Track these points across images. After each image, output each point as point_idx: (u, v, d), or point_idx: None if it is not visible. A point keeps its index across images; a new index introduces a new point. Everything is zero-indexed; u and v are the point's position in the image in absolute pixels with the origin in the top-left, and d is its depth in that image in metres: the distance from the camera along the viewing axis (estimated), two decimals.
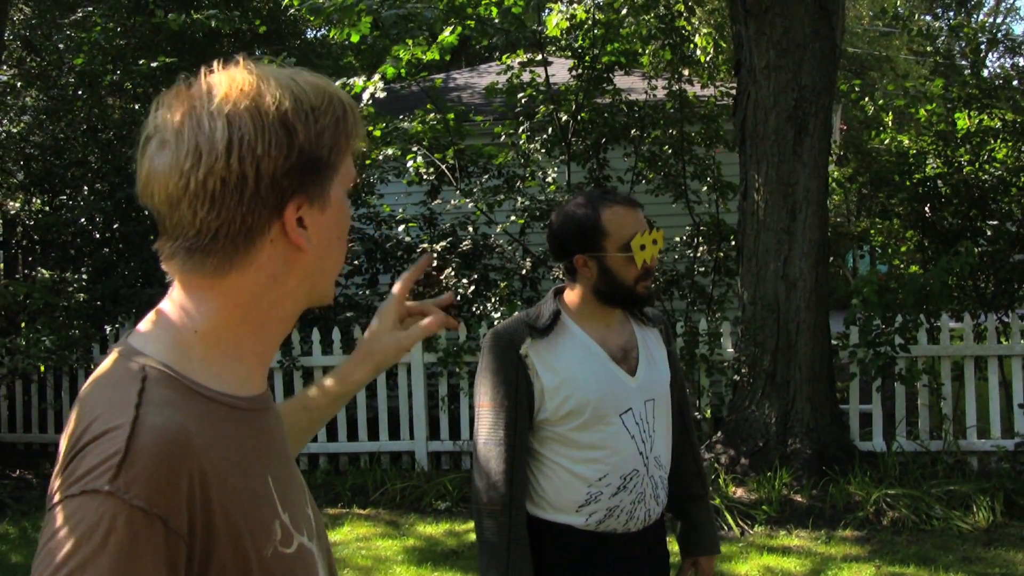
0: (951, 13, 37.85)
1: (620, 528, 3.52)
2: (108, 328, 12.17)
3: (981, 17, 39.55)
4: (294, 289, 1.67)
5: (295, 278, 1.66)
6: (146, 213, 12.18)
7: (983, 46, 16.12)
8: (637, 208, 3.52)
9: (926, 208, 13.55)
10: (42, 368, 11.84)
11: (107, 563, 1.33)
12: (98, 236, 12.92)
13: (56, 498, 1.40)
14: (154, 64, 12.54)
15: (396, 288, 2.36)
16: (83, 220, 12.70)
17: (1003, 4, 42.50)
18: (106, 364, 1.61)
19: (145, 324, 1.67)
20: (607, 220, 3.48)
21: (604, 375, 3.51)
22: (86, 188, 13.11)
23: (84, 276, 12.19)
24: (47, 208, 13.67)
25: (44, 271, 12.10)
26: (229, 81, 1.59)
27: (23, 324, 12.13)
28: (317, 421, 2.22)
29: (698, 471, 3.92)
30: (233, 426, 1.59)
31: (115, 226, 12.61)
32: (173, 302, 1.66)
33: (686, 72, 13.53)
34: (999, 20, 40.48)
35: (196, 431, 1.48)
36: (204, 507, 1.45)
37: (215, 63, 1.64)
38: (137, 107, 13.65)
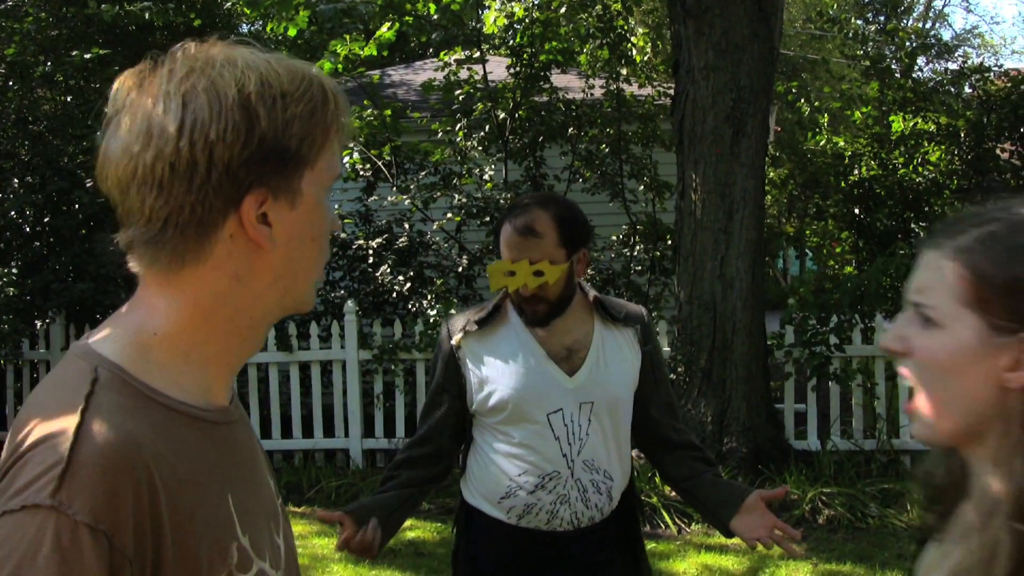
0: (882, 18, 38.23)
1: (543, 526, 3.52)
2: (38, 323, 11.98)
3: (911, 23, 40.01)
4: (262, 293, 1.56)
5: (261, 280, 1.55)
6: (77, 207, 12.06)
7: (914, 50, 16.30)
8: (527, 237, 3.43)
9: (860, 209, 13.68)
10: None
11: None
12: (28, 230, 12.72)
13: None
14: (87, 56, 12.40)
15: None
16: (13, 213, 12.49)
17: (932, 10, 43.03)
18: (61, 363, 1.52)
19: (107, 323, 1.58)
20: (500, 235, 3.53)
21: (533, 373, 3.51)
22: (16, 181, 12.89)
23: (14, 270, 11.99)
24: None
25: None
26: (193, 60, 1.49)
27: None
28: None
29: (699, 456, 3.82)
30: (192, 437, 1.49)
31: (46, 220, 12.43)
32: (135, 300, 1.58)
33: (624, 71, 13.56)
34: (928, 26, 40.99)
35: (147, 441, 1.40)
36: (153, 523, 1.37)
37: (188, 42, 1.54)
38: (69, 99, 13.48)
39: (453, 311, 3.67)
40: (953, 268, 1.60)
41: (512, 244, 3.44)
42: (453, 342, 3.59)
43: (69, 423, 1.35)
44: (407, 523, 8.77)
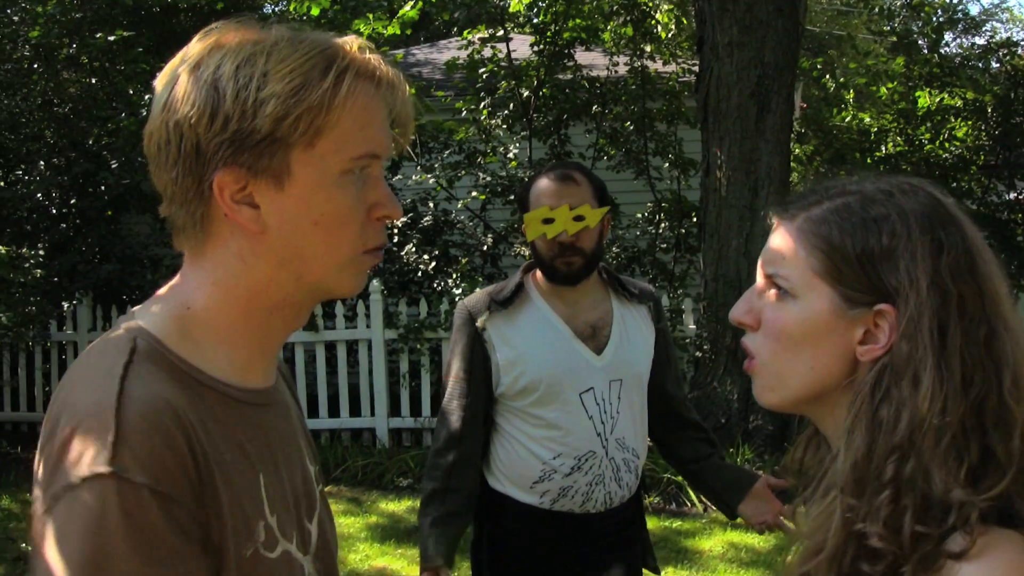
0: None
1: (577, 509, 3.49)
2: (65, 305, 12.05)
3: None
4: (273, 275, 1.54)
5: (267, 262, 1.53)
6: (102, 189, 12.10)
7: (941, 25, 16.18)
8: (566, 182, 3.42)
9: None
10: None
11: (127, 548, 1.27)
12: (55, 212, 12.77)
13: (55, 490, 1.32)
14: (111, 38, 12.40)
15: None
16: (39, 195, 12.54)
17: None
18: (104, 335, 1.53)
19: (154, 296, 1.60)
20: (532, 193, 3.47)
21: (563, 352, 3.47)
22: (42, 163, 12.94)
23: (41, 252, 12.03)
24: (2, 183, 13.47)
25: (0, 247, 11.95)
26: (200, 41, 1.51)
27: None
28: None
29: (705, 438, 3.85)
30: (224, 414, 1.50)
31: (72, 201, 12.48)
32: (179, 275, 1.60)
33: (648, 48, 13.51)
34: (955, 1, 40.66)
35: (186, 407, 1.40)
36: (206, 483, 1.38)
37: (218, 24, 1.54)
38: (93, 81, 13.50)
39: (478, 290, 3.69)
40: (808, 240, 1.60)
41: (550, 192, 3.40)
42: (478, 324, 3.51)
43: (110, 392, 1.35)
44: None
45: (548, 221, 3.36)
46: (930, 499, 1.42)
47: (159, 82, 1.52)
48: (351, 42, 1.55)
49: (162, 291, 1.60)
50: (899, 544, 1.41)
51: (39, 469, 1.38)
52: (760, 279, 1.70)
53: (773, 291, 1.65)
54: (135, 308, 1.58)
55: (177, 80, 1.49)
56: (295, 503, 1.64)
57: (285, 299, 1.58)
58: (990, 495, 1.41)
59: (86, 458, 1.30)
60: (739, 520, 7.91)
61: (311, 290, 1.59)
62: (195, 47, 1.51)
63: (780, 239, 1.66)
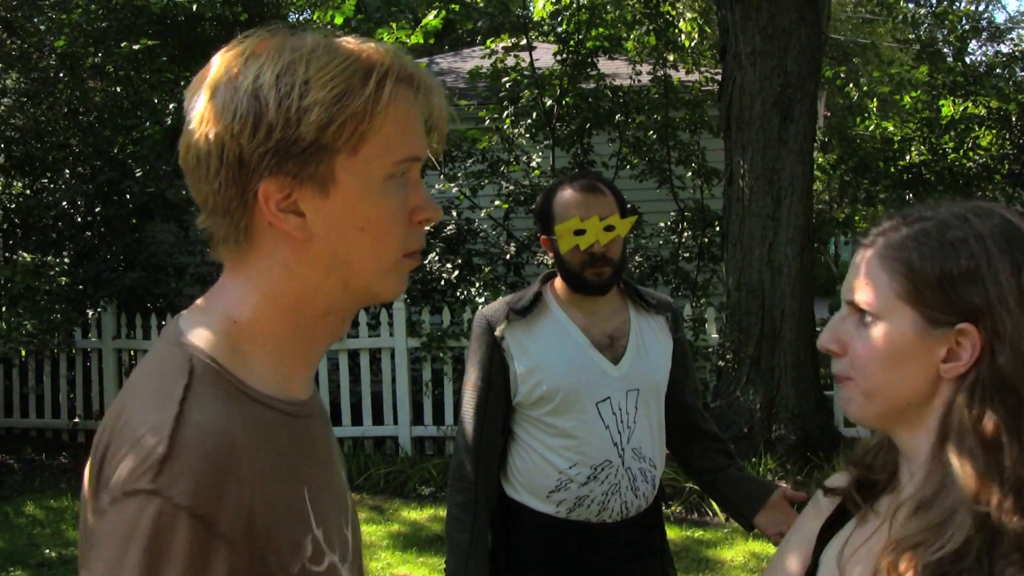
0: (933, 1, 37.92)
1: (593, 518, 3.48)
2: (90, 312, 12.10)
3: (963, 5, 39.59)
4: (320, 283, 1.54)
5: (313, 270, 1.53)
6: (127, 197, 12.16)
7: (966, 34, 16.12)
8: (594, 192, 3.42)
9: (910, 195, 13.56)
10: (23, 352, 11.79)
11: (148, 565, 1.28)
12: (80, 220, 12.85)
13: (103, 502, 1.35)
14: (136, 47, 12.48)
15: None
16: (65, 203, 12.62)
17: None
18: (155, 350, 1.54)
19: (195, 307, 1.60)
20: (556, 203, 3.46)
21: (581, 362, 3.46)
22: (67, 171, 13.02)
23: (66, 260, 12.11)
24: (28, 191, 13.57)
25: (25, 255, 12.01)
26: (233, 51, 1.51)
27: (4, 308, 12.04)
28: None
29: (724, 449, 3.83)
30: (275, 431, 1.50)
31: (97, 210, 12.55)
32: (218, 286, 1.59)
33: (671, 57, 13.51)
34: (981, 8, 40.54)
35: (239, 432, 1.41)
36: (249, 511, 1.38)
37: (252, 32, 1.54)
38: (118, 90, 13.57)
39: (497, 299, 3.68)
40: (889, 265, 1.67)
41: (579, 203, 3.39)
42: (497, 333, 3.50)
43: (169, 412, 1.37)
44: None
45: (580, 232, 3.36)
46: None
47: (190, 92, 1.52)
48: (385, 46, 1.55)
49: (203, 302, 1.60)
50: None
51: (92, 479, 1.41)
52: (844, 306, 1.76)
53: (857, 316, 1.72)
54: (180, 318, 1.58)
55: (214, 91, 1.48)
56: (337, 511, 1.65)
57: (331, 307, 1.58)
58: None
59: (134, 474, 1.32)
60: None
61: (357, 296, 1.59)
62: (227, 57, 1.51)
63: (861, 266, 1.72)
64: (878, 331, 1.67)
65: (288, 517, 1.47)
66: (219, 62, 1.52)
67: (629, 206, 3.69)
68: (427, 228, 1.67)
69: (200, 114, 1.49)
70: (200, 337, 1.52)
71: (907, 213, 1.72)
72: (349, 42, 1.53)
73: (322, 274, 1.54)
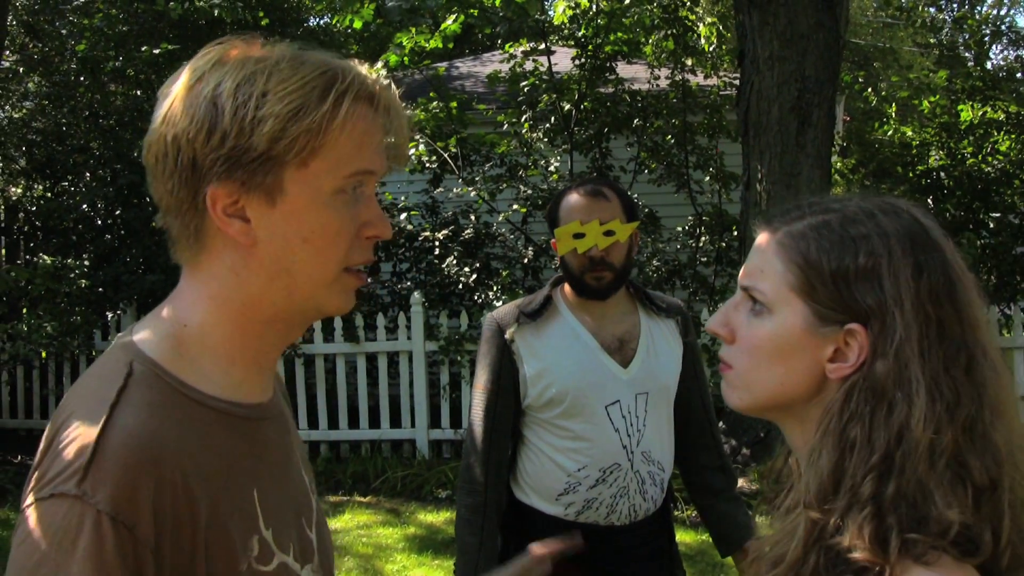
0: (955, 5, 37.77)
1: (602, 521, 3.50)
2: (109, 315, 12.18)
3: (984, 9, 39.47)
4: (264, 290, 1.58)
5: (258, 276, 1.56)
6: (147, 200, 12.20)
7: (987, 38, 16.08)
8: (597, 197, 3.44)
9: (929, 200, 13.53)
10: (43, 354, 11.83)
11: (76, 570, 1.31)
12: (100, 223, 12.90)
13: (28, 500, 1.38)
14: (156, 51, 12.51)
15: (537, 551, 2.43)
16: (85, 206, 12.68)
17: None
18: (105, 352, 1.59)
19: (155, 309, 1.64)
20: (562, 207, 3.49)
21: (590, 365, 3.48)
22: (88, 174, 13.08)
23: (86, 262, 12.15)
24: (49, 194, 13.64)
25: (46, 257, 12.05)
26: (205, 57, 1.55)
27: (24, 310, 12.12)
28: None
29: (721, 466, 3.83)
30: (219, 432, 1.54)
31: (117, 213, 12.59)
32: (177, 289, 1.64)
33: (689, 62, 13.52)
34: (1002, 12, 40.39)
35: (173, 437, 1.44)
36: (178, 516, 1.41)
37: (221, 42, 1.58)
38: (139, 93, 13.62)
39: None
40: (785, 254, 1.61)
41: (581, 207, 3.42)
42: (507, 335, 3.52)
43: (99, 417, 1.41)
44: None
45: (579, 236, 3.39)
46: (927, 518, 1.42)
47: (162, 93, 1.57)
48: (353, 64, 1.58)
49: (164, 305, 1.64)
50: (885, 558, 1.41)
51: (35, 462, 1.44)
52: (738, 291, 1.71)
53: (749, 304, 1.67)
54: (132, 329, 1.62)
55: (178, 94, 1.53)
56: (296, 513, 1.68)
57: (277, 314, 1.61)
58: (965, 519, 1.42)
59: (60, 477, 1.36)
60: None
61: (303, 307, 1.62)
62: (198, 61, 1.55)
63: (760, 252, 1.67)
64: (766, 322, 1.62)
65: (233, 515, 1.50)
66: (189, 66, 1.56)
67: (646, 211, 3.71)
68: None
69: (163, 115, 1.54)
70: (146, 340, 1.56)
71: (813, 202, 1.67)
72: (318, 57, 1.56)
73: (266, 280, 1.57)
